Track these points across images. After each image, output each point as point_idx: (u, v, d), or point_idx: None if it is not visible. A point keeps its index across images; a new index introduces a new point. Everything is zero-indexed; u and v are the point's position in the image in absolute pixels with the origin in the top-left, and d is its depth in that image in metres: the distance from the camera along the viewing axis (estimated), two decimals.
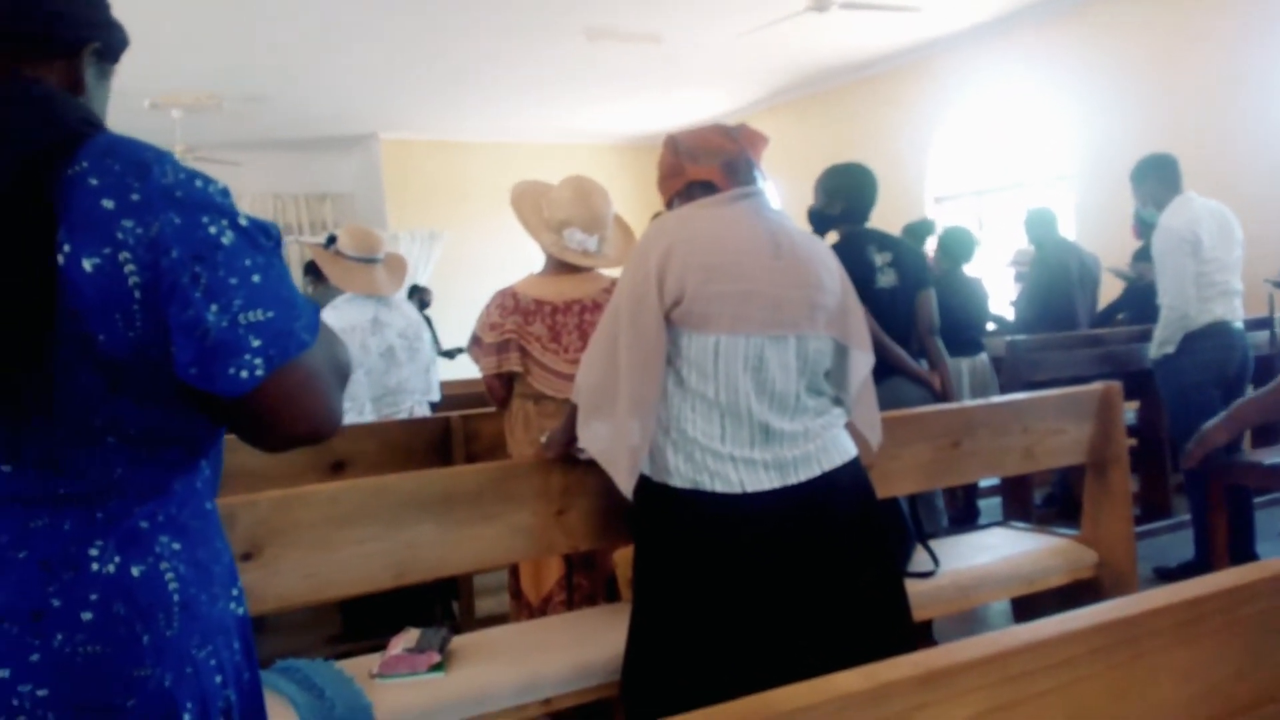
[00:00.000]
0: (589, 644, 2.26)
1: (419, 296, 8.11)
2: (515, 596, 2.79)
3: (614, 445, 1.91)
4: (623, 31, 6.62)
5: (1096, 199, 6.47)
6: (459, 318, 7.09)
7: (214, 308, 0.85)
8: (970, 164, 7.54)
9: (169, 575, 0.91)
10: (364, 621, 3.43)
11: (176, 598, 0.91)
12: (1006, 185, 7.28)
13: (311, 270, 5.70)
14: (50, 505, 0.87)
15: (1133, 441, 4.16)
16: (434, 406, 3.79)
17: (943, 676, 0.82)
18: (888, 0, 5.92)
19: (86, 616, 0.86)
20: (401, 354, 3.52)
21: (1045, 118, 6.86)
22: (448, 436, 3.39)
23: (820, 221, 3.37)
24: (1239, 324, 3.80)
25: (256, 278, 0.88)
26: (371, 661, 2.17)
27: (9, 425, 0.84)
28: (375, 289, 3.46)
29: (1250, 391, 3.77)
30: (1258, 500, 3.97)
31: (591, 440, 1.97)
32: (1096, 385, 2.91)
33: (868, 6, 5.93)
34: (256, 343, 0.86)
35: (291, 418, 0.90)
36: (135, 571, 0.89)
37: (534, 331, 2.60)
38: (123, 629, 0.87)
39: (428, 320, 5.05)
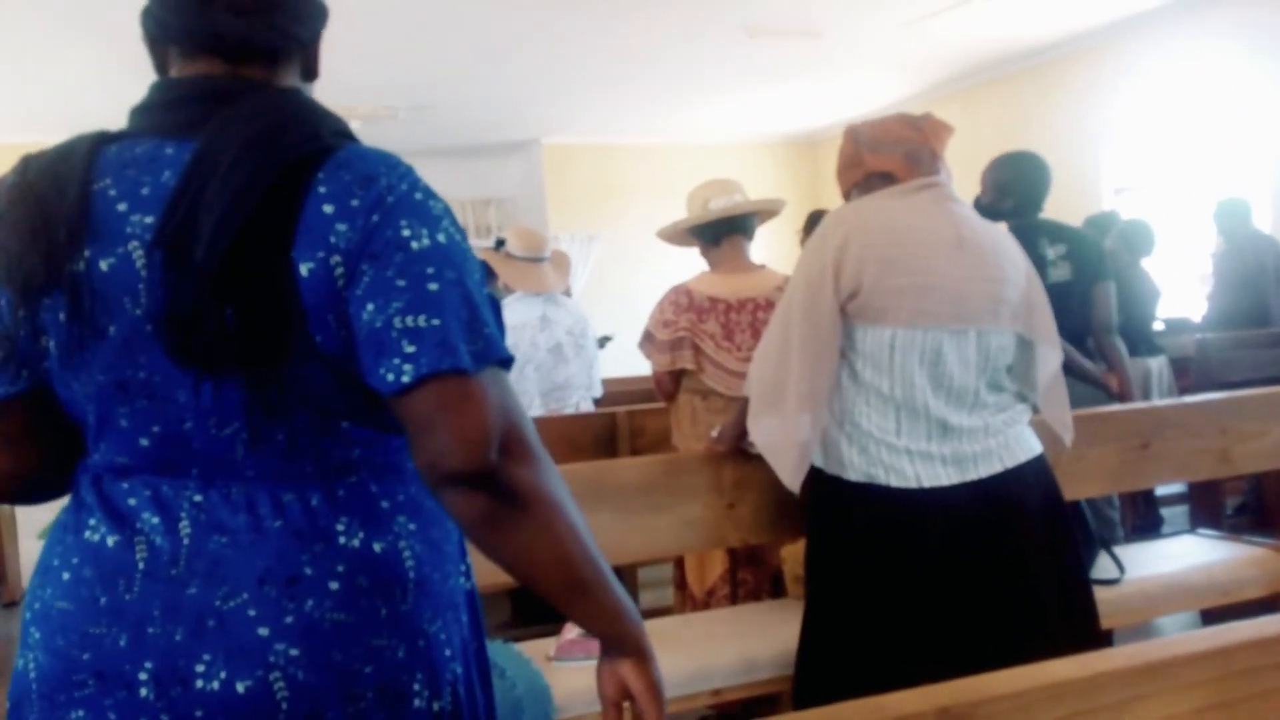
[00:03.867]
0: (757, 638, 2.27)
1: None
2: (680, 588, 2.83)
3: (782, 439, 1.91)
4: (782, 26, 6.58)
5: None
6: (615, 317, 7.21)
7: (370, 306, 0.87)
8: (1154, 153, 7.11)
9: (406, 553, 0.97)
10: (532, 609, 3.55)
11: (412, 575, 0.97)
12: (1195, 175, 6.84)
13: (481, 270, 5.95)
14: (298, 482, 0.94)
15: None
16: (596, 403, 3.87)
17: (1162, 669, 0.79)
18: None
19: (334, 586, 0.92)
20: (569, 350, 3.62)
21: (1238, 101, 6.40)
22: (614, 431, 3.46)
23: (989, 216, 3.26)
24: None
25: (434, 286, 0.88)
26: (546, 645, 2.24)
27: (260, 412, 0.91)
28: (545, 286, 3.58)
29: None
30: None
31: (761, 434, 1.98)
32: None
33: None
34: (410, 349, 0.86)
35: (436, 434, 0.86)
36: (377, 548, 0.95)
37: (707, 329, 2.63)
38: (364, 600, 0.93)
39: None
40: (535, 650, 2.21)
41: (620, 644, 1.00)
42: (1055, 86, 7.75)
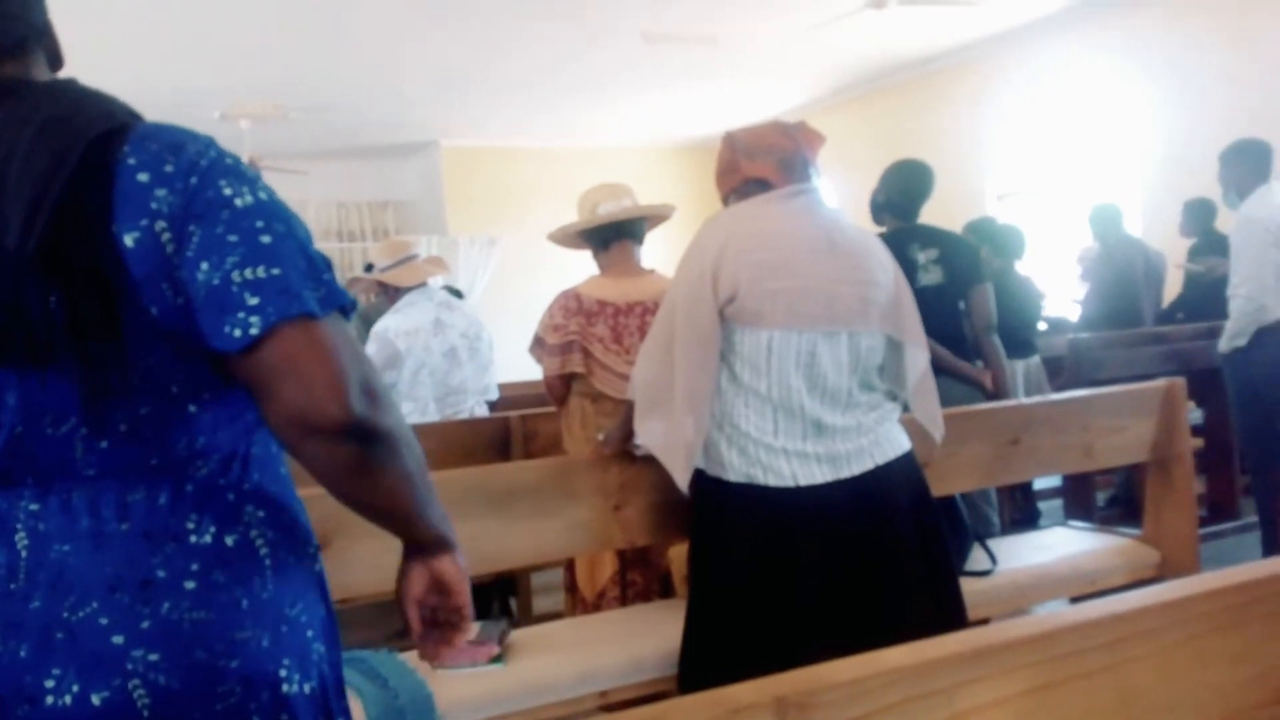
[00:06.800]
0: (644, 638, 2.29)
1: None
2: (570, 591, 2.84)
3: (670, 441, 1.94)
4: (680, 33, 6.65)
5: (1165, 194, 6.33)
6: (516, 320, 7.18)
7: (204, 265, 0.86)
8: (1033, 160, 7.42)
9: (259, 541, 0.96)
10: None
11: (268, 562, 0.96)
12: (1071, 181, 7.16)
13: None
14: (145, 477, 0.92)
15: (1199, 442, 4.07)
16: (491, 406, 3.86)
17: (990, 653, 0.83)
18: None
19: (190, 585, 0.91)
20: (463, 354, 3.61)
21: (1111, 111, 6.73)
22: (507, 436, 3.45)
23: (873, 209, 3.47)
24: None
25: (266, 239, 0.88)
26: None
27: (99, 399, 0.89)
28: (421, 275, 3.65)
29: None
30: None
31: (649, 436, 2.01)
32: (1159, 381, 2.86)
33: (925, 2, 5.88)
34: (254, 300, 0.85)
35: (295, 381, 0.85)
36: (229, 541, 0.94)
37: (597, 333, 2.64)
38: (223, 595, 0.92)
39: None
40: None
41: (442, 543, 1.06)
42: (942, 96, 8.03)
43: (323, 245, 10.00)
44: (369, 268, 3.72)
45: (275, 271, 0.87)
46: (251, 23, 5.86)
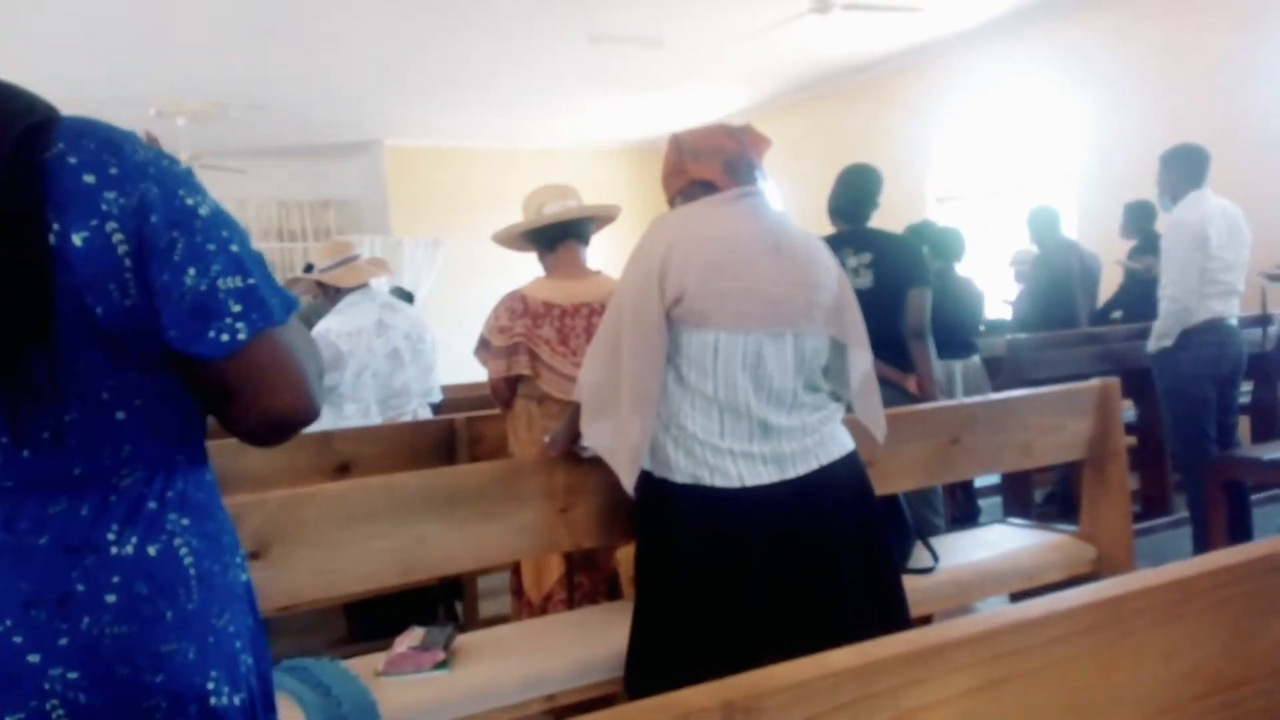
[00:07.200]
0: (591, 641, 2.28)
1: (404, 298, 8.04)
2: (516, 594, 2.82)
3: (617, 442, 1.94)
4: (625, 35, 6.66)
5: (1099, 198, 6.49)
6: (461, 323, 7.12)
7: (191, 271, 0.89)
8: (973, 164, 7.55)
9: (183, 551, 0.94)
10: (368, 624, 3.46)
11: (193, 572, 0.94)
12: (1010, 185, 7.30)
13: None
14: (67, 487, 0.89)
15: (1132, 439, 4.18)
16: (435, 408, 3.82)
17: (933, 654, 0.84)
18: (888, 0, 5.95)
19: (110, 599, 0.88)
20: (406, 355, 3.58)
21: (1048, 117, 6.88)
22: (452, 438, 3.42)
23: (829, 213, 3.50)
24: (1234, 321, 3.83)
25: (235, 247, 0.92)
26: (376, 660, 2.19)
27: (23, 406, 0.86)
28: (368, 275, 3.60)
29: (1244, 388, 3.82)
30: (1256, 496, 3.99)
31: (596, 438, 2.00)
32: (1094, 381, 2.93)
33: (869, 7, 5.96)
34: (237, 308, 0.89)
35: (273, 387, 0.92)
36: (152, 551, 0.92)
37: (543, 335, 2.62)
38: (146, 608, 0.90)
39: None
40: (364, 665, 2.16)
41: None
42: (884, 100, 8.14)
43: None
44: (309, 268, 3.65)
45: (251, 281, 0.91)
46: (190, 18, 5.74)
